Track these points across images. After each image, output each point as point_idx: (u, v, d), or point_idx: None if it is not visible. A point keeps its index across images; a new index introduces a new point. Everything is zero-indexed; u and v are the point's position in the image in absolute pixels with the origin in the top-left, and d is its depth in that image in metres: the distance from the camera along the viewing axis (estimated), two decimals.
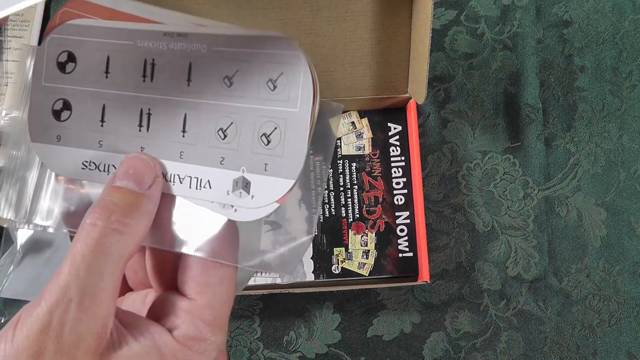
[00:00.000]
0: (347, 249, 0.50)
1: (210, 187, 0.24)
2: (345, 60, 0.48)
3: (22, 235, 0.52)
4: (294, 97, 0.24)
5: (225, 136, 0.24)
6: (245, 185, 0.24)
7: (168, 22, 0.24)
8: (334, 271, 0.50)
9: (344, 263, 0.50)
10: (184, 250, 0.24)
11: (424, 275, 0.48)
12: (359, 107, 0.52)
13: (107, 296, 0.20)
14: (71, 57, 0.24)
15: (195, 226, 0.25)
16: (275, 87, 0.24)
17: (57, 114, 0.25)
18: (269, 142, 0.24)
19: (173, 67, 0.24)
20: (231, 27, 0.24)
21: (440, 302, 0.52)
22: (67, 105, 0.25)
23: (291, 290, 0.48)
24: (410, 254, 0.50)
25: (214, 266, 0.23)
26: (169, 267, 0.25)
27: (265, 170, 0.24)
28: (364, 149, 0.52)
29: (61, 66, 0.24)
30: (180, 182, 0.25)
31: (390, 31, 0.47)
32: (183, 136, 0.24)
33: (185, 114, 0.24)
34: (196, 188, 0.24)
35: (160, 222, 0.24)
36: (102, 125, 0.25)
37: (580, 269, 0.53)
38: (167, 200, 0.24)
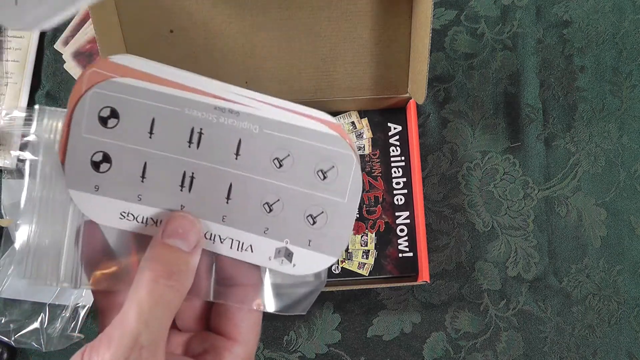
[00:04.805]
0: (347, 249, 0.50)
1: (252, 251, 0.26)
2: (346, 60, 0.48)
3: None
4: (343, 189, 0.26)
5: (271, 210, 0.26)
6: (288, 255, 0.26)
7: (209, 90, 0.25)
8: (334, 271, 0.50)
9: (344, 263, 0.50)
10: (222, 300, 0.27)
11: (424, 275, 0.48)
12: (359, 107, 0.52)
13: (164, 343, 0.24)
14: (114, 114, 0.25)
15: (229, 278, 0.27)
16: (325, 177, 0.26)
17: (96, 165, 0.26)
18: (314, 222, 0.26)
19: (221, 140, 0.26)
20: (281, 102, 0.26)
21: (440, 302, 0.52)
22: (107, 158, 0.26)
23: None
24: (410, 254, 0.50)
25: (249, 310, 0.27)
26: (200, 311, 0.29)
27: (309, 245, 0.26)
28: (364, 149, 0.52)
29: (103, 120, 0.25)
30: (221, 242, 0.26)
31: (390, 31, 0.47)
32: (227, 202, 0.26)
33: (231, 184, 0.26)
34: (237, 250, 0.27)
35: (197, 274, 0.26)
36: (142, 181, 0.26)
37: (580, 269, 0.53)
38: (203, 253, 0.27)
